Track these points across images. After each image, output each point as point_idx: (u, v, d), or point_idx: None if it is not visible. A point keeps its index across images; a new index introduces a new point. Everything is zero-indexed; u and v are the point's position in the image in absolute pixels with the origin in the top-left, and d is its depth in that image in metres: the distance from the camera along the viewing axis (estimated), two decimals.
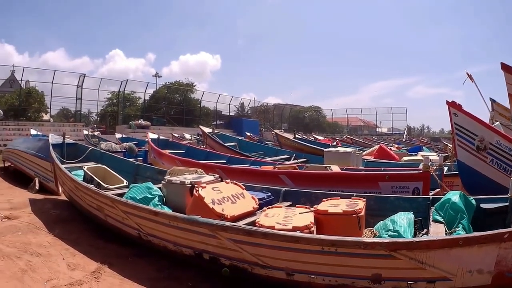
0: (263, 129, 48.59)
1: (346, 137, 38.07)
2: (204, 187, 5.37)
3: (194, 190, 5.36)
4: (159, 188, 6.35)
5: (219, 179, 6.38)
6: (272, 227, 4.29)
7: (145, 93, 42.41)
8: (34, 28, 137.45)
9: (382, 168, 9.77)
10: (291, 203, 5.96)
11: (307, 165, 10.66)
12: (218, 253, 4.56)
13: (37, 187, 10.47)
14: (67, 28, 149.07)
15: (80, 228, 6.89)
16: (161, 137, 16.96)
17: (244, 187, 5.94)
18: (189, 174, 6.72)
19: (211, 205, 4.98)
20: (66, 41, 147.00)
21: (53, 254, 5.52)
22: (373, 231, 4.81)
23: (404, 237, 4.29)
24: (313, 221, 4.55)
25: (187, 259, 4.99)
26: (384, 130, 62.06)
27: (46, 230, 6.68)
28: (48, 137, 10.48)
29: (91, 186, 6.65)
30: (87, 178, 7.33)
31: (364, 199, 5.22)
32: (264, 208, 5.34)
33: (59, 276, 4.75)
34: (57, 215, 7.71)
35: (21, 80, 36.29)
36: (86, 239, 6.30)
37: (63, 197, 9.14)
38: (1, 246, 5.79)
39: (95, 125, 42.57)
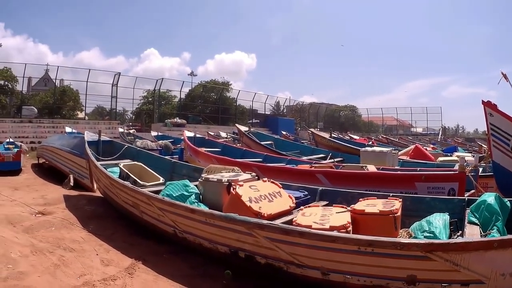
0: (299, 128, 48.54)
1: (382, 136, 37.73)
2: (242, 185, 5.40)
3: (231, 188, 5.39)
4: (196, 185, 6.40)
5: (256, 177, 6.39)
6: (309, 226, 4.29)
7: (180, 91, 42.73)
8: (68, 28, 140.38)
9: (418, 169, 9.69)
10: (327, 202, 5.95)
11: (343, 164, 10.70)
12: (254, 251, 4.58)
13: (71, 184, 10.71)
14: (102, 28, 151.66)
15: (115, 225, 7.02)
16: (197, 135, 17.23)
17: (281, 185, 5.94)
18: (226, 172, 6.77)
19: (248, 203, 5.00)
20: (100, 40, 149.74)
21: (86, 250, 5.62)
22: (409, 232, 4.76)
23: (440, 239, 4.25)
24: (350, 221, 4.54)
25: (223, 257, 5.02)
26: (419, 130, 61.30)
27: (80, 226, 6.83)
28: (83, 134, 10.67)
29: (127, 183, 6.75)
30: (123, 175, 7.42)
31: (401, 200, 5.19)
32: (301, 207, 5.36)
33: (92, 272, 4.83)
34: (91, 211, 7.88)
35: (55, 79, 37.09)
36: (120, 235, 6.41)
37: (98, 193, 9.36)
38: (34, 241, 5.94)
39: (130, 123, 43.15)
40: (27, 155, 17.86)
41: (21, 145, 16.97)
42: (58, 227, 6.68)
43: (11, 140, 18.23)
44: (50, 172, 13.58)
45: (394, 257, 3.65)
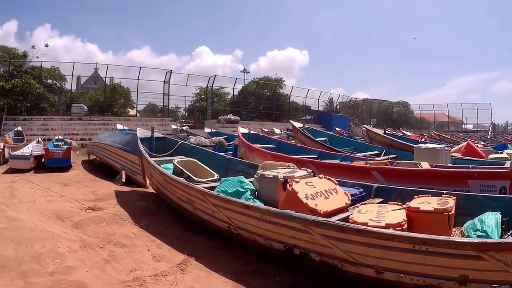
0: (352, 124, 48.65)
1: (434, 133, 37.63)
2: (298, 182, 5.45)
3: (288, 185, 5.45)
4: (251, 182, 6.50)
5: (312, 174, 6.43)
6: (366, 224, 4.34)
7: (233, 88, 43.65)
8: (117, 27, 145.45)
9: (470, 166, 9.60)
10: (382, 199, 5.97)
11: (397, 161, 10.72)
12: (309, 248, 4.62)
13: (123, 180, 11.09)
14: (152, 26, 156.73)
15: (168, 220, 7.19)
16: (252, 132, 17.52)
17: (337, 182, 5.99)
18: (282, 168, 6.82)
19: (304, 200, 5.06)
20: (151, 39, 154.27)
21: (138, 245, 5.79)
22: (462, 231, 4.73)
23: (492, 238, 4.22)
24: (405, 219, 4.56)
25: (277, 253, 5.09)
26: (470, 126, 61.06)
27: (131, 222, 7.04)
28: (135, 131, 10.90)
29: (181, 179, 6.92)
30: (177, 171, 7.61)
31: (454, 197, 5.17)
32: (357, 204, 5.39)
33: (143, 267, 4.96)
34: (144, 207, 8.13)
35: (105, 77, 38.42)
36: (173, 231, 6.56)
37: (150, 189, 9.63)
38: (83, 236, 6.17)
39: (183, 120, 44.07)
40: (77, 152, 18.53)
41: (71, 142, 17.57)
42: (109, 223, 6.92)
43: (60, 137, 18.78)
44: (101, 169, 14.05)
45: (447, 256, 3.64)
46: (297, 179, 5.52)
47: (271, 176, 6.10)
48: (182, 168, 7.53)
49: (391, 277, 3.99)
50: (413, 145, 13.73)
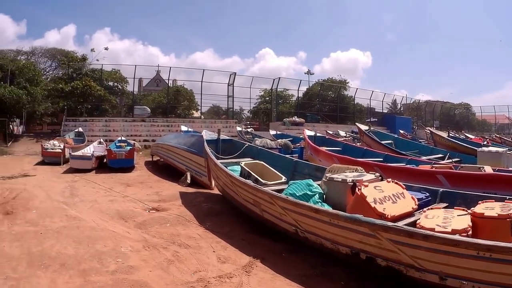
0: (416, 127, 48.15)
1: (495, 136, 36.26)
2: (366, 186, 5.50)
3: (356, 189, 5.49)
4: (319, 185, 6.56)
5: (380, 177, 6.45)
6: (432, 229, 4.36)
7: (298, 90, 43.85)
8: (180, 30, 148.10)
9: None
10: (447, 204, 5.97)
11: (461, 165, 10.72)
12: (376, 253, 4.68)
13: (188, 181, 11.42)
14: (215, 29, 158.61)
15: (232, 222, 7.37)
16: (318, 134, 17.57)
17: (404, 186, 5.99)
18: (350, 172, 6.87)
19: (372, 204, 5.11)
20: (214, 41, 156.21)
21: (203, 246, 5.96)
22: None
23: None
24: (470, 224, 4.56)
25: (343, 258, 5.15)
26: None
27: (196, 223, 7.26)
28: (200, 133, 11.15)
29: (249, 181, 7.06)
30: (244, 174, 7.76)
31: None
32: (424, 209, 5.43)
33: (207, 268, 5.11)
34: (209, 208, 8.35)
35: (168, 79, 39.58)
36: (238, 233, 6.71)
37: (215, 191, 9.88)
38: (146, 237, 6.39)
39: (248, 122, 44.65)
40: (140, 153, 19.01)
41: (134, 143, 18.06)
42: (174, 223, 7.15)
43: (123, 138, 19.33)
44: (165, 170, 14.46)
45: (510, 263, 3.62)
46: (365, 183, 5.56)
47: (340, 179, 6.14)
48: (250, 171, 7.67)
49: (454, 284, 4.01)
50: (476, 148, 13.92)
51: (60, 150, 16.88)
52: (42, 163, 16.78)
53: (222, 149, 10.38)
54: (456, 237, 3.99)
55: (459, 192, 6.26)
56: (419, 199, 5.81)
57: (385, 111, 51.70)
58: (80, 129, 24.65)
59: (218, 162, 8.49)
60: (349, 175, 6.28)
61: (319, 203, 5.93)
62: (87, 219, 7.33)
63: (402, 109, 58.21)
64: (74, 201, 8.92)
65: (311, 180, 6.59)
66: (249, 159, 9.19)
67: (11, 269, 4.82)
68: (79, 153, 16.43)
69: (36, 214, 7.64)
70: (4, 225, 6.86)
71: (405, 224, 4.71)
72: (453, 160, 13.50)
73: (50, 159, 16.75)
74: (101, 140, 20.87)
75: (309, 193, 6.19)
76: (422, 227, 4.45)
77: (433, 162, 11.56)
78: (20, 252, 5.45)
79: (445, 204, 5.91)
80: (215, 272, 4.95)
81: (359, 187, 5.38)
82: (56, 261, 5.11)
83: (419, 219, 4.93)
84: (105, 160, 15.53)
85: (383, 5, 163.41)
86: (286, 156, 10.44)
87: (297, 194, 6.14)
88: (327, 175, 6.61)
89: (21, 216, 7.48)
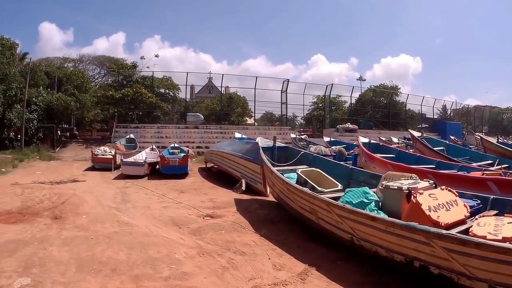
0: (465, 132, 47.39)
1: None
2: (421, 194, 5.56)
3: (412, 196, 5.56)
4: (374, 192, 6.65)
5: (434, 185, 6.50)
6: (484, 237, 4.42)
7: (351, 96, 43.98)
8: (231, 38, 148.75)
9: None
10: (497, 211, 5.95)
11: (510, 171, 10.90)
12: (429, 261, 4.73)
13: (243, 188, 11.58)
14: (267, 36, 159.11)
15: (288, 229, 7.48)
16: (372, 141, 17.91)
17: (457, 194, 6.02)
18: (405, 179, 6.92)
19: (427, 212, 5.18)
20: (267, 48, 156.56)
21: (258, 254, 6.08)
22: None
23: None
24: None
25: (397, 265, 5.21)
26: None
27: (252, 230, 7.40)
28: (254, 140, 11.29)
29: (305, 189, 7.15)
30: (301, 181, 7.87)
31: None
32: (476, 216, 5.47)
33: (262, 276, 5.22)
34: (264, 215, 8.49)
35: (220, 86, 40.01)
36: (293, 240, 6.81)
37: (270, 198, 10.02)
38: (201, 243, 6.56)
39: (301, 129, 44.78)
40: (194, 160, 19.26)
41: (188, 150, 18.30)
42: (229, 230, 7.30)
43: (176, 145, 19.58)
44: (218, 176, 14.67)
45: None
46: (420, 191, 5.63)
47: (395, 187, 6.22)
48: (306, 178, 7.77)
49: None
50: None
51: (111, 156, 17.36)
52: (91, 169, 17.27)
53: (277, 156, 10.55)
54: (506, 245, 4.06)
55: (509, 199, 6.26)
56: (470, 207, 5.87)
57: (435, 116, 51.27)
58: (132, 136, 25.33)
59: (274, 169, 8.62)
60: (404, 183, 6.37)
61: (375, 211, 6.02)
62: (140, 225, 7.57)
63: (452, 114, 57.73)
64: (126, 207, 9.19)
65: (367, 188, 6.69)
66: (305, 166, 9.29)
67: (59, 273, 5.01)
68: (131, 159, 16.92)
69: (86, 219, 7.93)
70: (53, 229, 7.12)
71: (457, 232, 4.78)
72: (503, 166, 13.54)
73: (100, 165, 17.23)
74: (154, 147, 21.28)
75: (366, 200, 6.29)
76: (475, 235, 4.52)
77: (483, 168, 11.67)
78: (69, 256, 5.65)
79: (495, 212, 5.93)
80: (270, 279, 5.05)
81: (415, 195, 5.45)
82: (107, 266, 5.29)
83: (471, 226, 5.00)
84: (157, 167, 15.86)
85: (431, 8, 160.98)
86: (342, 163, 10.52)
87: (354, 202, 6.23)
88: (383, 182, 6.72)
89: (71, 221, 7.78)
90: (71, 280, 4.79)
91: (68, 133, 35.75)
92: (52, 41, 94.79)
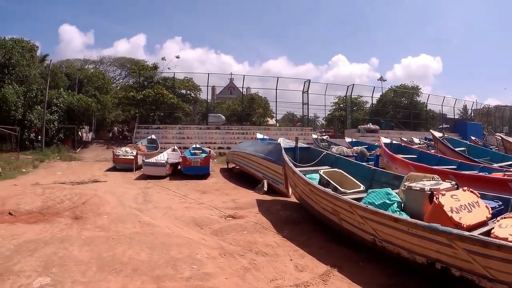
0: (486, 133, 46.92)
1: None
2: (444, 195, 5.57)
3: (434, 198, 5.57)
4: (396, 193, 6.67)
5: (456, 186, 6.48)
6: (506, 239, 4.40)
7: (372, 97, 43.92)
8: (252, 39, 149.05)
9: None
10: None
11: None
12: (451, 263, 4.73)
13: (265, 189, 11.65)
14: (288, 37, 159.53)
15: (309, 230, 7.51)
16: (393, 142, 18.07)
17: (479, 195, 6.02)
18: (427, 180, 6.91)
19: (449, 213, 5.20)
20: (287, 49, 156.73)
21: (280, 255, 6.12)
22: None
23: None
24: None
25: (418, 267, 5.21)
26: None
27: (274, 231, 7.44)
28: (276, 141, 11.33)
29: (328, 190, 7.18)
30: (323, 182, 7.92)
31: None
32: (498, 218, 5.41)
33: (284, 277, 5.25)
34: (286, 216, 8.53)
35: (242, 87, 40.29)
36: (316, 241, 6.84)
37: (292, 199, 10.06)
38: (223, 244, 6.62)
39: (323, 129, 44.72)
40: (215, 160, 19.39)
41: (210, 150, 18.47)
42: (251, 231, 7.36)
43: (197, 145, 19.69)
44: (240, 177, 14.75)
45: None
46: (443, 192, 5.64)
47: (418, 188, 6.22)
48: (329, 179, 7.83)
49: None
50: None
51: (133, 157, 17.55)
52: (113, 169, 17.53)
53: (299, 157, 10.60)
54: None
55: None
56: (492, 208, 5.85)
57: (456, 117, 50.92)
58: (153, 136, 25.46)
59: (296, 170, 8.65)
60: (427, 184, 6.37)
61: (398, 212, 6.02)
62: (161, 225, 7.66)
63: (472, 114, 57.30)
64: (147, 208, 9.29)
65: (390, 189, 6.71)
66: (327, 167, 9.33)
67: (80, 273, 5.10)
68: (152, 160, 17.01)
69: (107, 219, 8.03)
70: (73, 229, 7.24)
71: (479, 234, 4.74)
72: None
73: (121, 166, 17.47)
74: (175, 147, 21.41)
75: (388, 202, 6.30)
76: (497, 237, 4.53)
77: (505, 169, 11.61)
78: (89, 256, 5.74)
79: None
80: (292, 280, 5.09)
81: (437, 196, 5.47)
82: (128, 267, 5.37)
83: (493, 228, 4.97)
84: (179, 167, 16.01)
85: (449, 8, 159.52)
86: (364, 164, 10.53)
87: (376, 203, 6.26)
88: (405, 183, 6.73)
89: (91, 221, 7.90)
90: (92, 280, 4.88)
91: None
92: (72, 43, 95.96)
